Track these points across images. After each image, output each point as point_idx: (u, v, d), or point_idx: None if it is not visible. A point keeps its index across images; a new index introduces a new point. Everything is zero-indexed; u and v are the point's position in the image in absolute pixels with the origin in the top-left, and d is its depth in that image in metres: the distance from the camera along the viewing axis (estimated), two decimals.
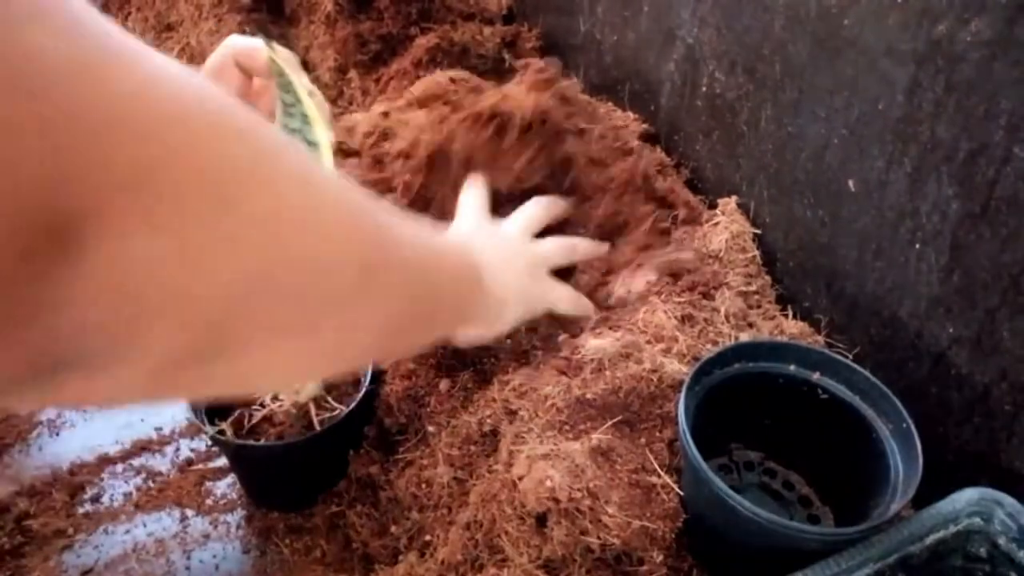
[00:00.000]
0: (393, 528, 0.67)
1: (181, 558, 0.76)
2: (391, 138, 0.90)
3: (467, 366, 0.75)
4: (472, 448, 0.65)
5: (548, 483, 0.56)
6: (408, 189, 0.82)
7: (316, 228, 0.32)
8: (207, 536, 0.79)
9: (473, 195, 0.78)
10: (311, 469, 0.79)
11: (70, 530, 0.79)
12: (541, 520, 0.56)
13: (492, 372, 0.73)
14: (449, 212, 0.77)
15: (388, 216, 0.41)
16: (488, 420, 0.66)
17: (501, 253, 0.71)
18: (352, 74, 1.18)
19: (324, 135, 0.60)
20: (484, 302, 0.61)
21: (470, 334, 0.67)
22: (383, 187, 0.88)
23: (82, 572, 0.75)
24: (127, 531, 0.79)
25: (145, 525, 0.80)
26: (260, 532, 0.79)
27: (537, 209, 0.79)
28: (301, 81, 0.61)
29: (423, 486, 0.66)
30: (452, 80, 0.95)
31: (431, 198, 0.83)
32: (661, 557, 0.58)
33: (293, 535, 0.78)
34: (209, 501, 0.82)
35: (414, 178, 0.82)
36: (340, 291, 0.34)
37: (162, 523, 0.80)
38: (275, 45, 0.61)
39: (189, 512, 0.81)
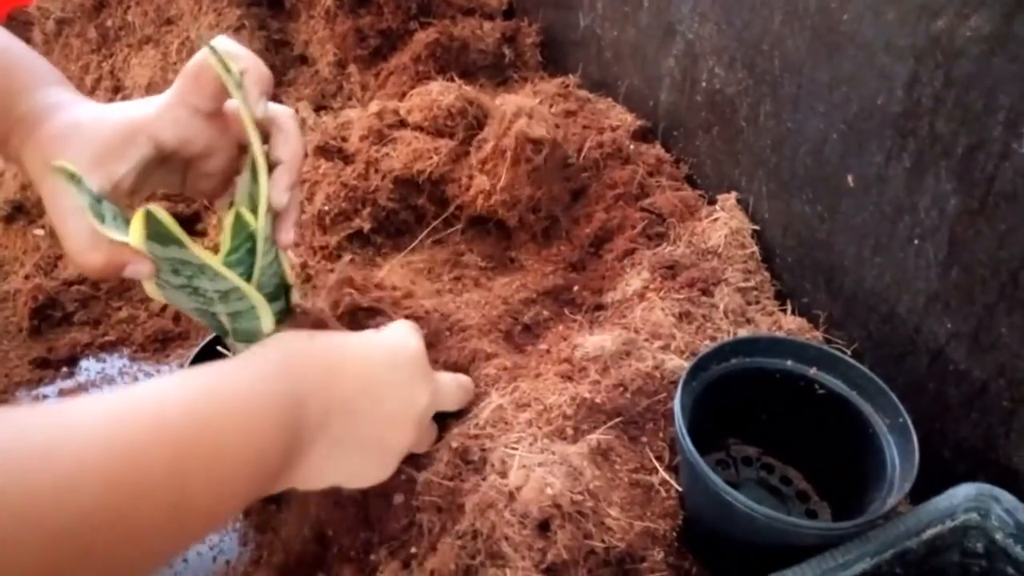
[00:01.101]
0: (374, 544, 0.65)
1: (177, 558, 0.76)
2: (385, 143, 0.90)
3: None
4: (460, 465, 0.63)
5: (549, 490, 0.56)
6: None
7: None
8: None
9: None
10: None
11: None
12: (544, 525, 0.56)
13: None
14: None
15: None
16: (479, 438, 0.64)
17: (363, 411, 0.55)
18: (351, 69, 1.18)
19: (258, 149, 0.56)
20: (290, 473, 0.49)
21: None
22: (370, 200, 0.88)
23: None
24: None
25: None
26: (258, 525, 0.79)
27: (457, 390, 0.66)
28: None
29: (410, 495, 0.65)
30: (449, 92, 0.95)
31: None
32: (662, 555, 0.58)
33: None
34: None
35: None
36: None
37: None
38: (223, 54, 0.56)
39: None
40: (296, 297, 0.62)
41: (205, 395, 0.44)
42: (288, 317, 0.62)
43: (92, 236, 0.51)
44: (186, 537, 0.40)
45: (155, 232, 0.49)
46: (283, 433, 0.47)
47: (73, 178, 0.50)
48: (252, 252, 0.55)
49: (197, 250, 0.50)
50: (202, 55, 0.56)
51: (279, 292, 0.60)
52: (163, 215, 0.48)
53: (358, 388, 0.54)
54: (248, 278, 0.55)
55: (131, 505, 0.35)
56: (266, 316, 0.57)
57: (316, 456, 0.51)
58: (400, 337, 0.60)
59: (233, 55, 0.55)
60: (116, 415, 0.38)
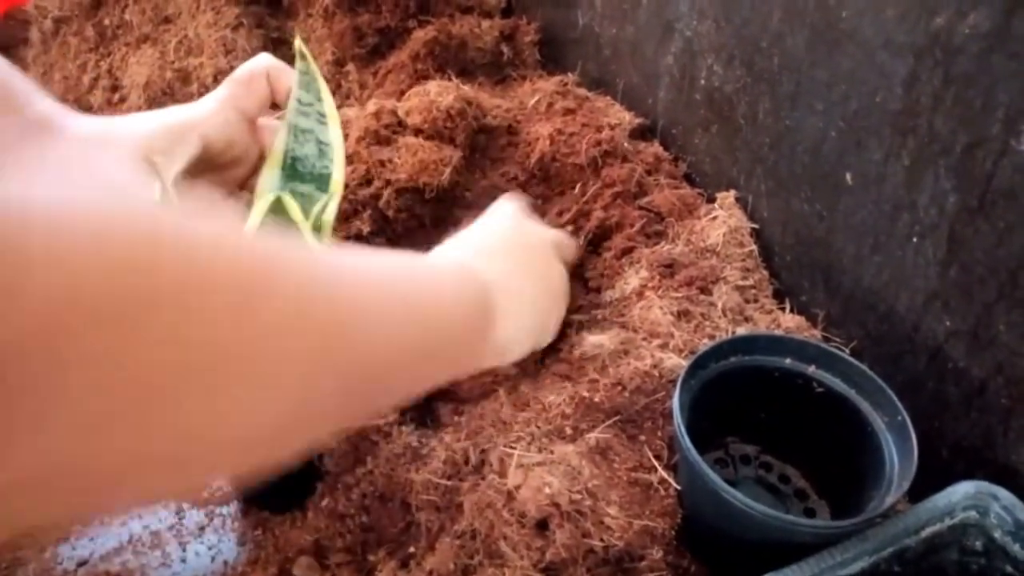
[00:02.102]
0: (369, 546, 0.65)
1: (177, 550, 0.76)
2: (384, 146, 0.90)
3: None
4: (460, 465, 0.63)
5: (547, 490, 0.56)
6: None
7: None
8: (203, 528, 0.79)
9: (509, 203, 0.71)
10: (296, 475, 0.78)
11: None
12: (542, 524, 0.56)
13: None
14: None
15: (323, 259, 0.36)
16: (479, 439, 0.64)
17: (521, 268, 0.62)
18: (350, 67, 1.18)
19: (338, 135, 0.59)
20: (490, 343, 0.54)
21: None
22: (371, 204, 0.88)
23: (78, 564, 0.75)
24: (123, 523, 0.79)
25: (141, 517, 0.80)
26: (256, 524, 0.78)
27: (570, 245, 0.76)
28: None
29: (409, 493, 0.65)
30: (447, 92, 0.94)
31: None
32: (660, 554, 0.58)
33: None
34: (204, 493, 0.82)
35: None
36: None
37: (158, 515, 0.80)
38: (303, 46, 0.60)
39: (184, 504, 0.81)
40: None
41: (456, 281, 0.52)
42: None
43: None
44: (423, 379, 0.46)
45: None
46: (478, 312, 0.52)
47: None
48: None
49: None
50: (252, 63, 0.60)
51: None
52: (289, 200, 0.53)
53: (521, 277, 0.61)
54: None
55: (398, 350, 0.40)
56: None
57: (506, 326, 0.55)
58: (538, 234, 0.69)
59: (283, 68, 0.60)
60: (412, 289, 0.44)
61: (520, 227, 0.67)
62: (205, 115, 0.60)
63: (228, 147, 0.60)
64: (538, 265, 0.65)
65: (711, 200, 0.89)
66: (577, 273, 0.89)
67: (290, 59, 1.24)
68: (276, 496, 0.78)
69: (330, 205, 0.59)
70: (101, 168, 0.56)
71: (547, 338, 0.65)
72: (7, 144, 0.57)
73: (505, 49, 1.20)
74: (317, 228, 0.58)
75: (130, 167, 0.56)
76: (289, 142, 0.60)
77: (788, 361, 0.63)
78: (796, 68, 0.73)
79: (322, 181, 0.60)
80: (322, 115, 0.59)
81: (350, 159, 0.90)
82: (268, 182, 0.60)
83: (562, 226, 0.91)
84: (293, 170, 0.60)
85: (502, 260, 0.60)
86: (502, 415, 0.64)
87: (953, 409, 0.63)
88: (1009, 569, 0.52)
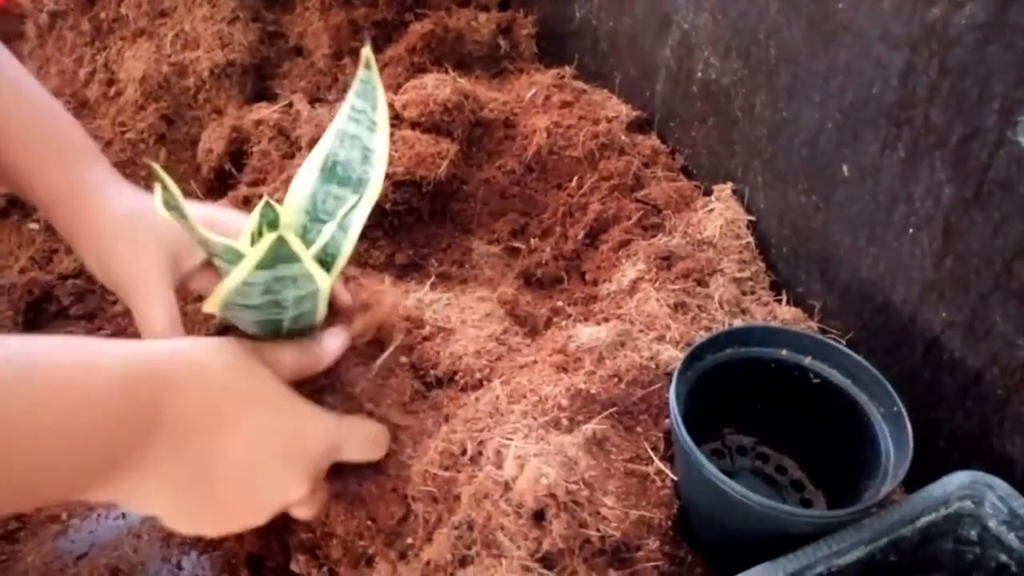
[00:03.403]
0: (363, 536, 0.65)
1: (175, 543, 0.76)
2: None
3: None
4: (457, 456, 0.63)
5: (544, 480, 0.56)
6: None
7: None
8: None
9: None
10: None
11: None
12: (539, 515, 0.56)
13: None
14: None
15: None
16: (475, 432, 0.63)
17: (249, 403, 0.51)
18: (347, 60, 1.17)
19: (384, 145, 0.60)
20: (121, 487, 0.45)
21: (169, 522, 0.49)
22: None
23: (76, 557, 0.75)
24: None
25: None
26: None
27: (365, 440, 0.60)
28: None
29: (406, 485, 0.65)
30: (444, 85, 0.94)
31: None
32: (657, 544, 0.58)
33: None
34: None
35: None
36: None
37: None
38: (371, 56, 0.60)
39: None
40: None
41: (69, 357, 0.42)
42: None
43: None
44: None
45: (277, 255, 0.48)
46: (121, 425, 0.44)
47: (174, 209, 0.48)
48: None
49: (311, 266, 0.51)
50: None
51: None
52: (292, 238, 0.47)
53: (235, 447, 0.49)
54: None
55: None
56: (323, 306, 0.57)
57: (153, 478, 0.46)
58: (316, 431, 0.54)
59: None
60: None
61: (289, 414, 0.53)
62: (219, 212, 0.64)
63: None
64: (268, 452, 0.51)
65: (708, 192, 0.89)
66: (574, 266, 0.89)
67: (286, 53, 1.23)
68: None
69: (361, 204, 0.59)
70: (126, 251, 0.60)
71: (206, 527, 0.51)
72: (58, 197, 0.63)
73: (502, 42, 1.20)
74: (323, 261, 0.57)
75: (152, 258, 0.60)
76: (334, 146, 0.61)
77: (784, 352, 0.63)
78: (793, 60, 0.73)
79: (360, 185, 0.60)
80: (374, 123, 0.60)
81: None
82: (303, 183, 0.60)
83: (559, 221, 0.91)
84: (332, 172, 0.60)
85: (222, 421, 0.49)
86: (499, 406, 0.64)
87: (949, 399, 0.63)
88: (1004, 558, 0.53)
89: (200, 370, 0.49)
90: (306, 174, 0.60)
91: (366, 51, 0.59)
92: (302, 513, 0.57)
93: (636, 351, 0.68)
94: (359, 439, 0.58)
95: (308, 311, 0.56)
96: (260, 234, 0.57)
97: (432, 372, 0.70)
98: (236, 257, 0.49)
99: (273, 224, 0.57)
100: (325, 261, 0.57)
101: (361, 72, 0.59)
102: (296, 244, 0.48)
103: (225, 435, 0.49)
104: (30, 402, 0.39)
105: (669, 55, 0.95)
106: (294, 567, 0.63)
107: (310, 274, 0.51)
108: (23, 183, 0.63)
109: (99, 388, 0.43)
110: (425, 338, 0.73)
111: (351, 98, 0.60)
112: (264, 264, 0.47)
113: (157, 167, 0.48)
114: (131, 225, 0.61)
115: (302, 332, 0.59)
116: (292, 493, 0.53)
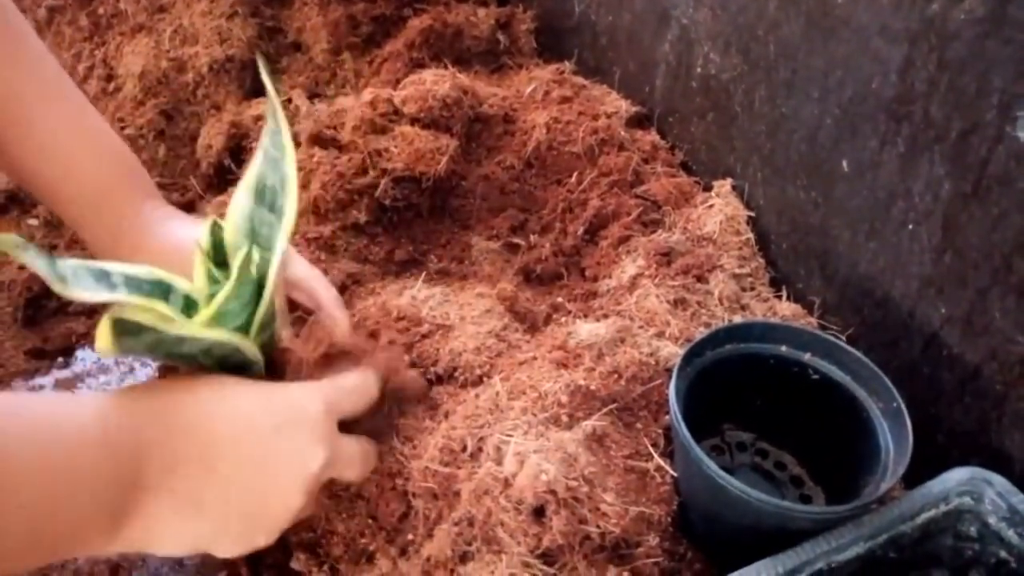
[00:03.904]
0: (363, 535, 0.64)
1: None
2: (380, 134, 0.90)
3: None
4: (457, 453, 0.63)
5: (544, 476, 0.56)
6: None
7: None
8: None
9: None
10: None
11: None
12: (539, 511, 0.56)
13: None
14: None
15: None
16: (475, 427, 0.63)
17: (242, 440, 0.49)
18: (345, 56, 1.17)
19: (292, 173, 0.55)
20: (120, 539, 0.44)
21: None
22: (367, 194, 0.87)
23: None
24: None
25: None
26: None
27: (354, 390, 0.58)
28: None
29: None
30: (443, 81, 0.94)
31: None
32: (657, 540, 0.58)
33: None
34: None
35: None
36: None
37: None
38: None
39: None
40: (279, 327, 0.61)
41: (26, 425, 0.41)
42: (270, 350, 0.59)
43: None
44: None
45: (125, 330, 0.45)
46: (108, 483, 0.43)
47: (17, 247, 0.44)
48: (256, 295, 0.54)
49: (193, 328, 0.48)
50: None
51: (269, 324, 0.58)
52: (135, 314, 0.45)
53: (228, 443, 0.48)
54: (246, 325, 0.54)
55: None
56: (255, 358, 0.55)
57: (157, 515, 0.45)
58: (302, 397, 0.53)
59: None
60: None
61: (291, 430, 0.51)
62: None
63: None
64: (269, 473, 0.50)
65: (708, 188, 0.89)
66: (574, 262, 0.89)
67: (285, 48, 1.23)
68: None
69: (273, 263, 0.54)
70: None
71: (226, 551, 0.50)
72: (121, 229, 0.65)
73: (501, 37, 1.20)
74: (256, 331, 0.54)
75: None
76: (262, 168, 0.56)
77: (784, 348, 0.63)
78: (792, 55, 0.73)
79: (280, 217, 0.55)
80: (283, 146, 0.55)
81: (346, 148, 0.90)
82: (238, 207, 0.56)
83: (558, 217, 0.91)
84: (262, 197, 0.56)
85: (215, 444, 0.48)
86: (499, 403, 0.64)
87: (948, 395, 0.63)
88: (1003, 554, 0.53)
89: (168, 401, 0.49)
90: (242, 195, 0.57)
91: (261, 65, 0.55)
92: (351, 474, 0.57)
93: (636, 347, 0.68)
94: (353, 458, 0.57)
95: (230, 353, 0.54)
96: (214, 252, 0.55)
97: (432, 369, 0.70)
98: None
99: (219, 246, 0.55)
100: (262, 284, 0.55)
101: (269, 90, 0.54)
102: (145, 318, 0.45)
103: (219, 443, 0.48)
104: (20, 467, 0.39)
105: (668, 50, 0.94)
106: (294, 565, 0.63)
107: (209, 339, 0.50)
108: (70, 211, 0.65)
109: (79, 448, 0.42)
110: (424, 335, 0.72)
111: (267, 117, 0.56)
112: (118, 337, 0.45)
113: None
114: (174, 263, 0.58)
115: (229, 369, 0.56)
116: (313, 460, 0.51)
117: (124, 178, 0.67)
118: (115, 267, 0.49)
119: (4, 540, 0.39)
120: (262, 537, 0.51)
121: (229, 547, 0.49)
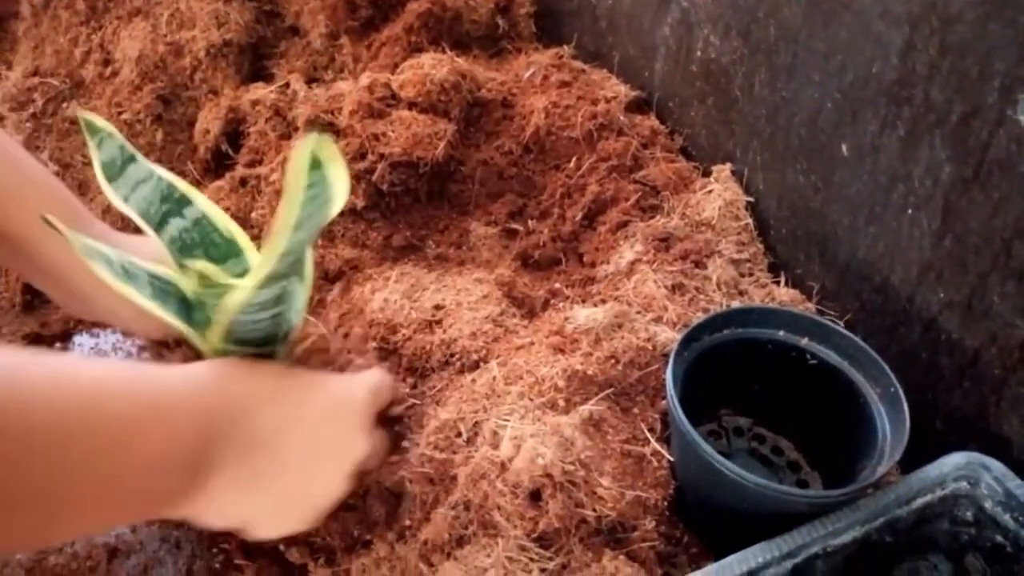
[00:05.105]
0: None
1: (172, 529, 0.77)
2: (378, 119, 0.89)
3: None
4: (453, 438, 0.63)
5: (540, 460, 0.56)
6: None
7: None
8: None
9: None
10: None
11: None
12: (535, 495, 0.56)
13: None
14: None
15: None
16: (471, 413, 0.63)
17: (307, 421, 0.52)
18: (343, 40, 1.16)
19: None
20: (198, 501, 0.47)
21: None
22: (365, 179, 0.87)
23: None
24: None
25: None
26: None
27: (383, 383, 0.59)
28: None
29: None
30: (441, 65, 0.93)
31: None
32: (653, 524, 0.58)
33: None
34: None
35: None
36: None
37: None
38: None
39: None
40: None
41: (125, 387, 0.43)
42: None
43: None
44: (55, 525, 0.39)
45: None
46: (189, 453, 0.45)
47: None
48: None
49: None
50: None
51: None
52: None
53: (289, 429, 0.51)
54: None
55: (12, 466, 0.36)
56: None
57: (223, 488, 0.47)
58: (351, 387, 0.56)
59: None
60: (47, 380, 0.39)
61: (342, 420, 0.54)
62: None
63: None
64: (319, 460, 0.52)
65: (707, 173, 0.88)
66: (572, 247, 0.89)
67: (282, 32, 1.22)
68: None
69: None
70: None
71: (271, 532, 0.52)
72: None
73: (500, 21, 1.19)
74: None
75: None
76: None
77: (781, 333, 0.63)
78: (793, 39, 0.72)
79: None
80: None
81: (344, 132, 0.89)
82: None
83: (557, 202, 0.90)
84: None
85: (280, 429, 0.50)
86: (495, 387, 0.64)
87: (946, 380, 0.63)
88: (999, 539, 0.53)
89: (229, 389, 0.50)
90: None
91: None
92: (374, 464, 0.59)
93: (633, 332, 0.68)
94: (382, 451, 0.59)
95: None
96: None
97: (428, 353, 0.70)
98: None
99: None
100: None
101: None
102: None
103: (285, 448, 0.50)
104: (120, 428, 0.41)
105: (668, 34, 0.94)
106: (291, 558, 0.63)
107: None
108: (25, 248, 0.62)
109: (172, 420, 0.45)
110: (421, 320, 0.72)
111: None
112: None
113: None
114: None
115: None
116: (358, 448, 0.54)
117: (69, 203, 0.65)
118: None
119: (114, 492, 0.41)
120: (303, 523, 0.52)
121: (270, 530, 0.51)
